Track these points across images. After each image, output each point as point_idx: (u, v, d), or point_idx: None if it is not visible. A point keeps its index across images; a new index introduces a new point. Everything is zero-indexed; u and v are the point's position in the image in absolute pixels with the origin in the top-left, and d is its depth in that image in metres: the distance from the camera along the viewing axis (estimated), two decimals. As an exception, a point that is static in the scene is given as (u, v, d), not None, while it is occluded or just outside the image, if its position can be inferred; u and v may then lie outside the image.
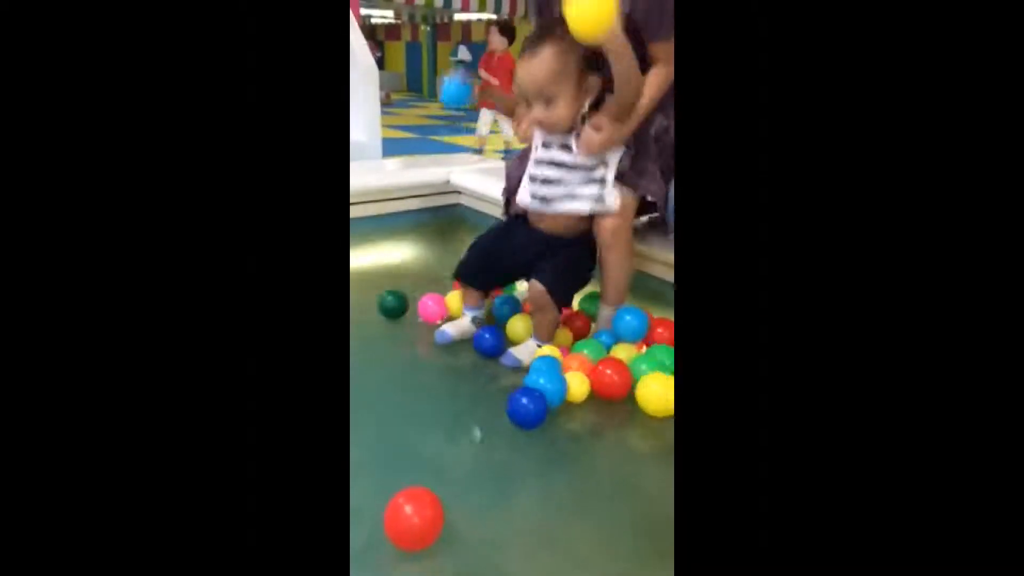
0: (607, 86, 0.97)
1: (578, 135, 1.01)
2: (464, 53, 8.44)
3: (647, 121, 1.10)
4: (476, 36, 8.85)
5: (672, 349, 1.02)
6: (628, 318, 1.09)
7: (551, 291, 1.03)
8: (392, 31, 12.46)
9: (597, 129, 0.98)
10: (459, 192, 2.13)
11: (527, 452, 0.85)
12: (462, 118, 6.68)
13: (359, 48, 2.72)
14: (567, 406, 0.93)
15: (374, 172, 2.06)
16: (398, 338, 1.19)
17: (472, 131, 4.35)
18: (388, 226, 1.95)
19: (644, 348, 1.09)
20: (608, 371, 0.95)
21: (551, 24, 0.94)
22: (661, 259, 1.31)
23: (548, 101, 0.96)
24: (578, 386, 0.93)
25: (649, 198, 1.14)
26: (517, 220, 1.17)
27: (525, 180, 1.09)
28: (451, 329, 1.14)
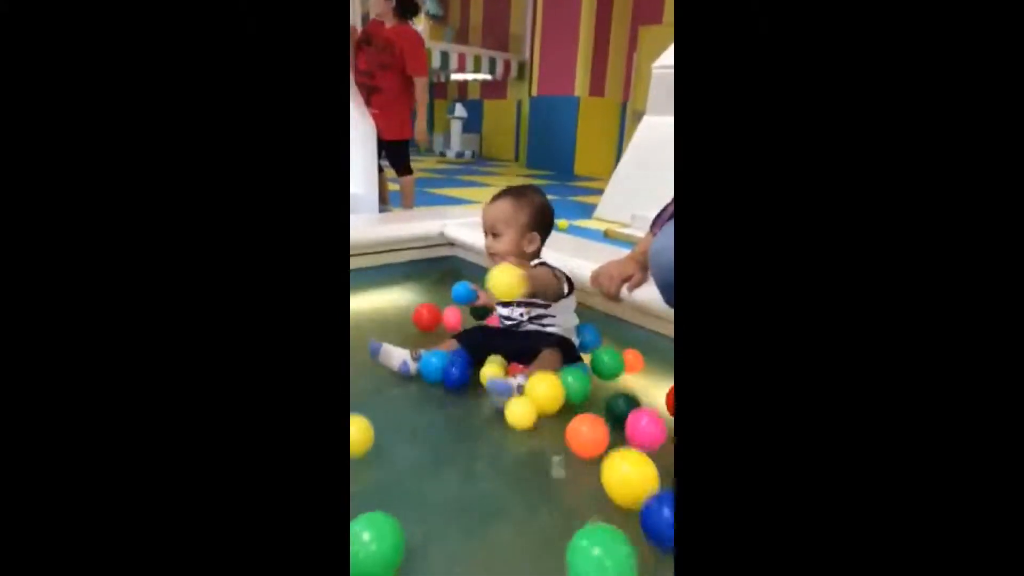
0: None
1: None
2: (460, 111, 8.81)
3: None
4: (472, 94, 9.23)
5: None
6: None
7: (561, 349, 1.24)
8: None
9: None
10: (452, 244, 2.23)
11: (512, 482, 0.91)
12: (459, 171, 6.88)
13: (359, 103, 2.82)
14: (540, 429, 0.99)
15: (371, 225, 2.15)
16: (380, 378, 1.25)
17: (469, 184, 4.46)
18: (383, 276, 2.03)
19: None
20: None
21: (522, 188, 1.30)
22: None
23: (495, 236, 1.27)
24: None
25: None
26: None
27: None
28: (386, 347, 1.26)
